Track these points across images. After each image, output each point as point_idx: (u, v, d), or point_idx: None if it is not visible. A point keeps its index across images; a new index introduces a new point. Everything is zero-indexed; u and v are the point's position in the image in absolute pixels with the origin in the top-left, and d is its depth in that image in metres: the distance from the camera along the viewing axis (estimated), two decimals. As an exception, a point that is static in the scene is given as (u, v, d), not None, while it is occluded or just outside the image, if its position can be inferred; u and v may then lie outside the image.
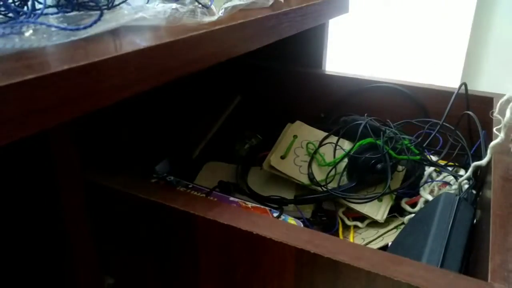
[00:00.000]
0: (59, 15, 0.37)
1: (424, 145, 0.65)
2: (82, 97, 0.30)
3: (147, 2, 0.45)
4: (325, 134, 0.71)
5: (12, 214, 0.44)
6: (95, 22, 0.35)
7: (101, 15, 0.35)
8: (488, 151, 0.50)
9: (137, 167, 0.69)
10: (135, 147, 0.72)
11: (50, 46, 0.32)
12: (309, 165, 0.67)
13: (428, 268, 0.35)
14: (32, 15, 0.34)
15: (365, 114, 0.69)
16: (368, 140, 0.63)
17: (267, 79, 0.86)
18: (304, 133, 0.72)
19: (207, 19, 0.44)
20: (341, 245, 0.37)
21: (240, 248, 0.40)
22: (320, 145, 0.69)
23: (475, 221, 0.49)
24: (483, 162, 0.51)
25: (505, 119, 0.49)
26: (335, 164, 0.66)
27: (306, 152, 0.69)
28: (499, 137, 0.49)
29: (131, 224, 0.47)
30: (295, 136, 0.71)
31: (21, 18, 0.33)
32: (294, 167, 0.67)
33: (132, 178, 0.47)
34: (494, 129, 0.51)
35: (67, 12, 0.40)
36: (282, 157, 0.68)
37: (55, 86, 0.28)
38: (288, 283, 0.40)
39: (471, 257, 0.43)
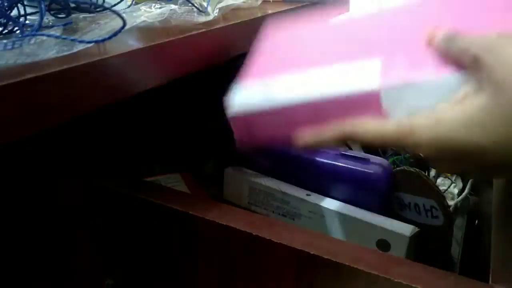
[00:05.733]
0: (60, 27, 0.36)
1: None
2: (82, 97, 0.30)
3: (129, 6, 0.45)
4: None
5: (12, 214, 0.44)
6: (115, 34, 0.34)
7: (122, 27, 0.34)
8: None
9: (136, 167, 0.68)
10: (134, 148, 0.72)
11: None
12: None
13: (429, 270, 0.34)
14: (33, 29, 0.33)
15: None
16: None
17: (267, 79, 0.85)
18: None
19: (203, 19, 0.44)
20: (341, 247, 0.37)
21: (240, 250, 0.40)
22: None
23: (476, 222, 0.49)
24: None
25: None
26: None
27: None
28: None
29: (130, 225, 0.47)
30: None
31: (27, 31, 0.32)
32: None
33: (132, 179, 0.47)
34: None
35: (59, 17, 0.40)
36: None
37: (55, 86, 0.28)
38: (288, 285, 0.39)
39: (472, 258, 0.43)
